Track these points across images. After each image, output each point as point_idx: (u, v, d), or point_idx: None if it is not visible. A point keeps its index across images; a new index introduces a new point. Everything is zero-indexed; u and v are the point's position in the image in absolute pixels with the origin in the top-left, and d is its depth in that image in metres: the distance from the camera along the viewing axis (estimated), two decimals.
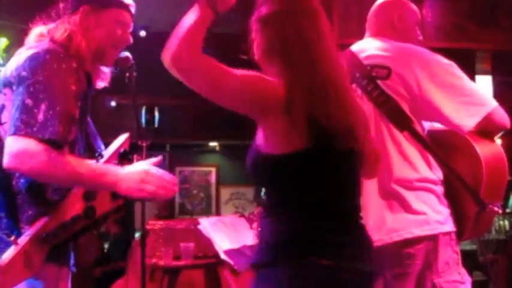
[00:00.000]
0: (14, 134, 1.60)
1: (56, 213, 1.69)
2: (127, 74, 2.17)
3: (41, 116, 1.61)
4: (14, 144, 1.59)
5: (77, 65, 1.74)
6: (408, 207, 2.03)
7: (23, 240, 1.60)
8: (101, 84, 1.99)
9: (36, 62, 1.68)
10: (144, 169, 1.71)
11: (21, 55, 1.75)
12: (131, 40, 1.97)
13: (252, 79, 1.52)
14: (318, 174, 1.55)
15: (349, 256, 1.53)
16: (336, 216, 1.57)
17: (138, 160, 2.74)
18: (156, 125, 7.51)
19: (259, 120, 1.58)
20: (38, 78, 1.65)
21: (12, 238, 1.58)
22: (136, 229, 7.01)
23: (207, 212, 8.89)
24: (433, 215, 2.02)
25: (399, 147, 2.06)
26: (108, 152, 1.92)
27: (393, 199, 2.04)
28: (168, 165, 9.10)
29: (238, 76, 1.51)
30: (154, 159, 1.84)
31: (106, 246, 6.61)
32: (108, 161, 1.87)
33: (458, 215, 2.08)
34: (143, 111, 7.41)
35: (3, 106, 1.73)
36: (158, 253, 3.96)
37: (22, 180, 1.70)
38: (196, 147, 9.13)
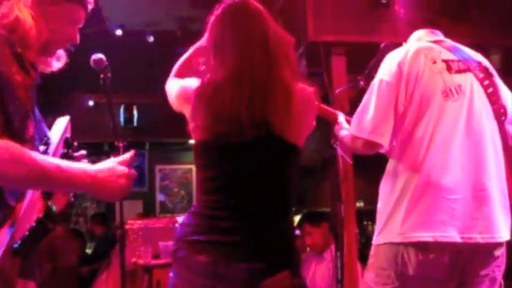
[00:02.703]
0: None
1: (22, 219, 1.49)
2: (101, 76, 2.18)
3: None
4: None
5: (20, 50, 1.50)
6: (506, 208, 2.09)
7: None
8: (54, 65, 1.75)
9: None
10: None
11: None
12: (78, 40, 1.73)
13: (181, 87, 1.85)
14: (210, 166, 1.73)
15: (227, 254, 1.64)
16: (225, 213, 1.68)
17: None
18: (135, 123, 7.49)
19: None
20: None
21: None
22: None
23: (188, 210, 8.88)
24: None
25: (502, 144, 2.13)
26: (54, 139, 1.70)
27: (501, 196, 2.09)
28: (148, 163, 9.08)
29: (177, 86, 1.88)
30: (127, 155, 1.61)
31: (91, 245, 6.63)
32: (56, 149, 1.67)
33: None
34: (121, 110, 7.39)
35: None
36: (137, 252, 3.96)
37: None
38: (176, 145, 9.10)
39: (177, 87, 1.87)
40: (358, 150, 2.24)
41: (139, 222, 4.15)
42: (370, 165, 2.72)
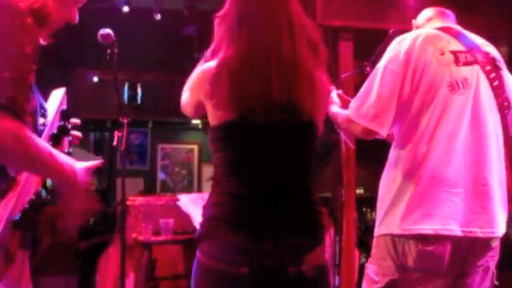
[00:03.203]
0: None
1: (21, 192, 1.49)
2: (108, 51, 2.18)
3: None
4: None
5: (33, 21, 1.45)
6: (504, 202, 2.11)
7: None
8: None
9: None
10: None
11: None
12: (76, 20, 1.71)
13: (195, 73, 1.71)
14: (237, 147, 1.63)
15: (270, 231, 1.60)
16: (250, 195, 1.62)
17: (119, 136, 2.76)
18: (138, 101, 7.49)
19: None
20: None
21: None
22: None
23: (188, 190, 8.90)
24: None
25: (504, 137, 2.14)
26: (51, 111, 1.69)
27: (501, 190, 2.10)
28: (150, 142, 9.10)
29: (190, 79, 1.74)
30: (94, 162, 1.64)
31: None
32: (54, 121, 1.67)
33: None
34: (126, 88, 7.38)
35: None
36: (138, 228, 3.98)
37: None
38: (179, 125, 9.11)
39: (190, 80, 1.75)
40: (352, 133, 2.25)
41: (140, 198, 4.17)
42: (372, 153, 2.72)
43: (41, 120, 1.59)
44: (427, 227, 1.98)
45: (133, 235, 4.04)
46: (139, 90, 7.45)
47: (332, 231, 3.91)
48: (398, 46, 2.12)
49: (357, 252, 3.92)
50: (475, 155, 2.04)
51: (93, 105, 7.45)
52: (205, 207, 1.67)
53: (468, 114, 2.05)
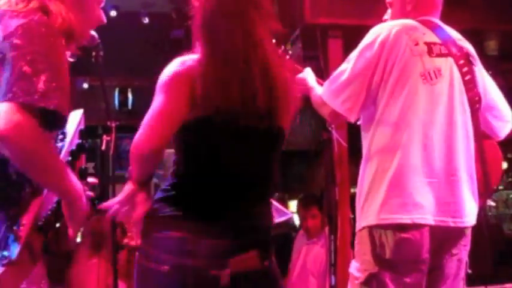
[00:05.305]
0: (11, 100, 1.43)
1: (45, 198, 1.60)
2: (93, 54, 2.16)
3: (41, 85, 1.45)
4: (12, 112, 1.41)
5: (64, 40, 1.62)
6: (475, 194, 2.14)
7: (23, 231, 1.51)
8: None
9: (31, 34, 1.52)
10: None
11: (4, 20, 1.56)
12: (105, 19, 1.86)
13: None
14: (192, 149, 1.73)
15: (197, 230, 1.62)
16: (202, 194, 1.66)
17: (107, 141, 2.72)
18: (129, 106, 7.45)
19: None
20: (35, 48, 1.49)
21: (15, 229, 1.50)
22: None
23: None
24: None
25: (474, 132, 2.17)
26: (69, 131, 1.82)
27: (471, 182, 2.13)
28: None
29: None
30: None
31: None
32: (72, 141, 1.80)
33: None
34: (116, 93, 7.35)
35: None
36: (129, 233, 3.95)
37: None
38: None
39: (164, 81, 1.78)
40: (322, 115, 2.29)
41: None
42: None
43: (59, 136, 1.75)
44: (405, 217, 2.00)
45: (125, 240, 4.01)
46: (129, 95, 7.42)
47: (326, 229, 3.90)
48: (374, 35, 2.15)
49: (351, 252, 3.91)
50: (446, 145, 2.07)
51: (84, 111, 7.40)
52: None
53: (443, 104, 2.08)
